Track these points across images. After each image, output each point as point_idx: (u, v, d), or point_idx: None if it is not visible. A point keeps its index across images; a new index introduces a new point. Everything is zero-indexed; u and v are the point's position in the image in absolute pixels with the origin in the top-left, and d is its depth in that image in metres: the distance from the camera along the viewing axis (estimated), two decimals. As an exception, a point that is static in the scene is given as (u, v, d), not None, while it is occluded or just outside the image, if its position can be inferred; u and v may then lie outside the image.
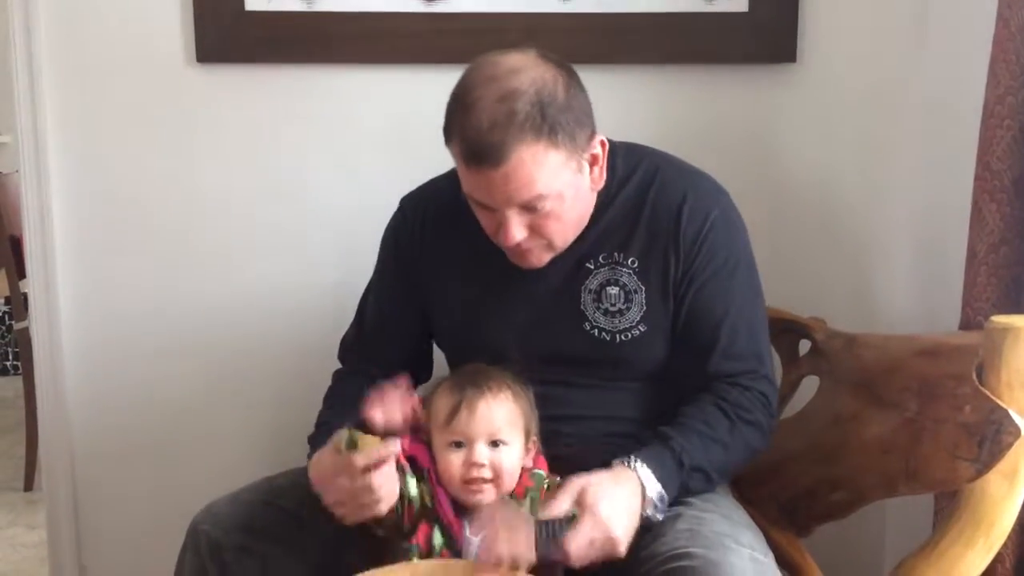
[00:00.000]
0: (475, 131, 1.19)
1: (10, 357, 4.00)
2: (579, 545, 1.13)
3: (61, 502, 1.86)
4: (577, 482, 1.19)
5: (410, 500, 1.21)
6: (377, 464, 1.15)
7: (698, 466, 1.26)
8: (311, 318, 1.72)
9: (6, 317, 3.93)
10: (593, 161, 1.29)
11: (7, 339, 4.00)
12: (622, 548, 1.16)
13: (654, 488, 1.21)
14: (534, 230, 1.26)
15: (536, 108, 1.19)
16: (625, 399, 1.36)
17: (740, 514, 1.30)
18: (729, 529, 1.21)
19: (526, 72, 1.21)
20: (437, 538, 1.21)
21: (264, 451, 1.61)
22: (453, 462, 1.22)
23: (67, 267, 1.79)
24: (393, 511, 1.19)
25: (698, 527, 1.20)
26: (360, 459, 1.15)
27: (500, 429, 1.23)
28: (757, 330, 1.36)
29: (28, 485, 2.80)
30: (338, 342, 1.50)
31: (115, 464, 1.85)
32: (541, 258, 1.31)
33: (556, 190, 1.23)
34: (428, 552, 1.20)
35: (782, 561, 1.49)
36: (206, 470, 1.78)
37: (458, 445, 1.22)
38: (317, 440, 1.30)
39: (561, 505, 1.17)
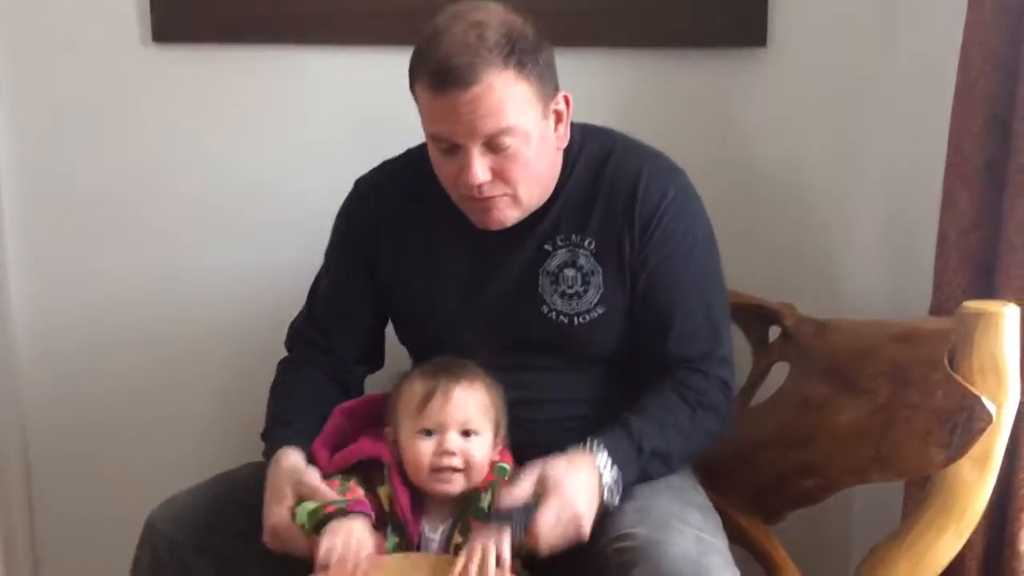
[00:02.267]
0: (444, 55, 1.17)
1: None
2: (547, 524, 1.12)
3: (14, 493, 1.81)
4: (536, 467, 1.17)
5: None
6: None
7: (657, 451, 1.24)
8: (273, 304, 1.67)
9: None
10: (558, 118, 1.27)
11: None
12: (587, 526, 1.14)
13: (610, 472, 1.19)
14: (498, 174, 1.23)
15: (505, 39, 1.18)
16: (585, 382, 1.34)
17: (695, 495, 1.29)
18: (678, 509, 1.19)
19: (495, 14, 1.21)
20: (391, 539, 1.19)
21: (224, 441, 1.57)
22: (423, 450, 1.19)
23: (17, 251, 1.75)
24: None
25: (646, 507, 1.19)
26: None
27: (473, 419, 1.21)
28: (715, 310, 1.34)
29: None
30: (301, 330, 1.46)
31: (70, 454, 1.81)
32: (505, 215, 1.27)
33: (523, 127, 1.21)
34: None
35: (751, 548, 1.49)
36: (165, 459, 1.76)
37: (428, 433, 1.20)
38: (278, 435, 1.27)
39: (523, 488, 1.15)
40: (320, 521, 1.15)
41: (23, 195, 1.73)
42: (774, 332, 1.59)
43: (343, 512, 1.15)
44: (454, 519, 1.21)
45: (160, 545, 1.24)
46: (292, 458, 1.22)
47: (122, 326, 1.77)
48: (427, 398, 1.20)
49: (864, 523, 1.74)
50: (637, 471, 1.22)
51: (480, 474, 1.21)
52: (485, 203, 1.26)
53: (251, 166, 1.73)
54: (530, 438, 1.27)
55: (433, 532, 1.20)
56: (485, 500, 1.20)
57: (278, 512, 1.18)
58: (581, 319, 1.31)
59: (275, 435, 1.27)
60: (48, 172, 1.73)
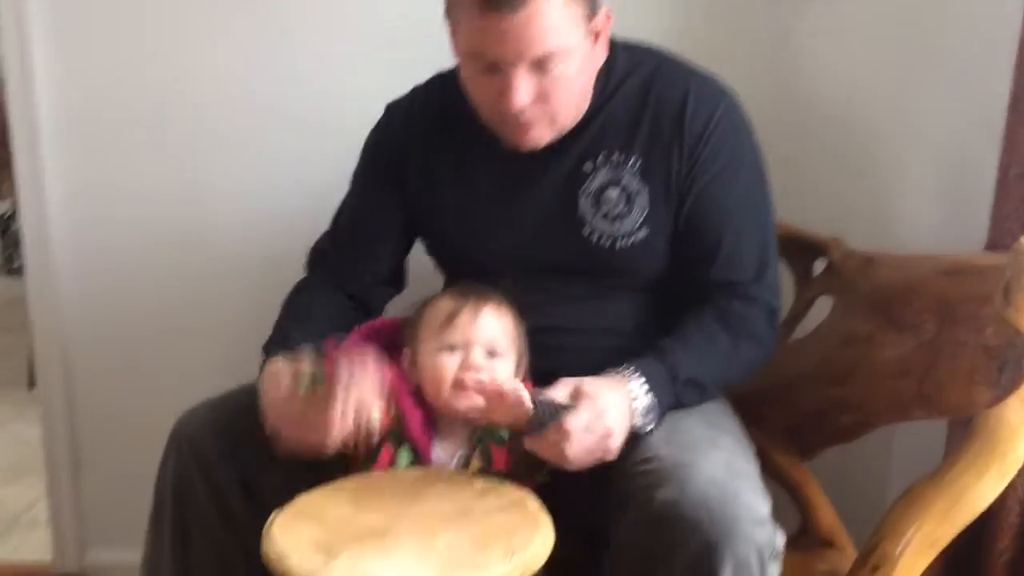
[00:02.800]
0: None
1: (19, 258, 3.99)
2: (578, 427, 1.08)
3: (55, 398, 1.84)
4: (570, 380, 1.14)
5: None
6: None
7: (693, 379, 1.21)
8: (304, 222, 1.64)
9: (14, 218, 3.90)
10: (597, 36, 1.22)
11: (15, 240, 3.98)
12: (615, 445, 1.11)
13: (643, 398, 1.16)
14: (540, 96, 1.19)
15: None
16: (624, 310, 1.30)
17: (727, 422, 1.25)
18: (708, 433, 1.16)
19: None
20: (403, 459, 1.17)
21: (253, 353, 1.56)
22: (447, 365, 1.17)
23: (54, 166, 1.74)
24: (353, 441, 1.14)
25: (675, 431, 1.16)
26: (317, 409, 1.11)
27: (499, 341, 1.19)
28: (763, 236, 1.30)
29: (32, 383, 2.80)
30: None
31: (109, 361, 1.83)
32: (541, 135, 1.24)
33: (569, 49, 1.16)
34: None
35: (784, 484, 1.46)
36: (196, 369, 1.74)
37: (452, 349, 1.18)
38: (272, 350, 1.24)
39: (557, 392, 1.12)
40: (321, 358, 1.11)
41: (59, 109, 1.72)
42: (819, 266, 1.54)
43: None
44: (471, 446, 1.18)
45: (185, 452, 1.24)
46: (279, 364, 1.18)
47: (156, 239, 1.77)
48: (454, 314, 1.18)
49: (903, 463, 1.69)
50: (671, 399, 1.19)
51: None
52: (523, 124, 1.22)
53: (286, 86, 1.70)
54: (561, 368, 1.23)
55: (448, 456, 1.18)
56: (505, 429, 1.17)
57: (276, 388, 1.14)
58: (624, 242, 1.27)
59: (271, 352, 1.24)
60: (86, 80, 1.71)
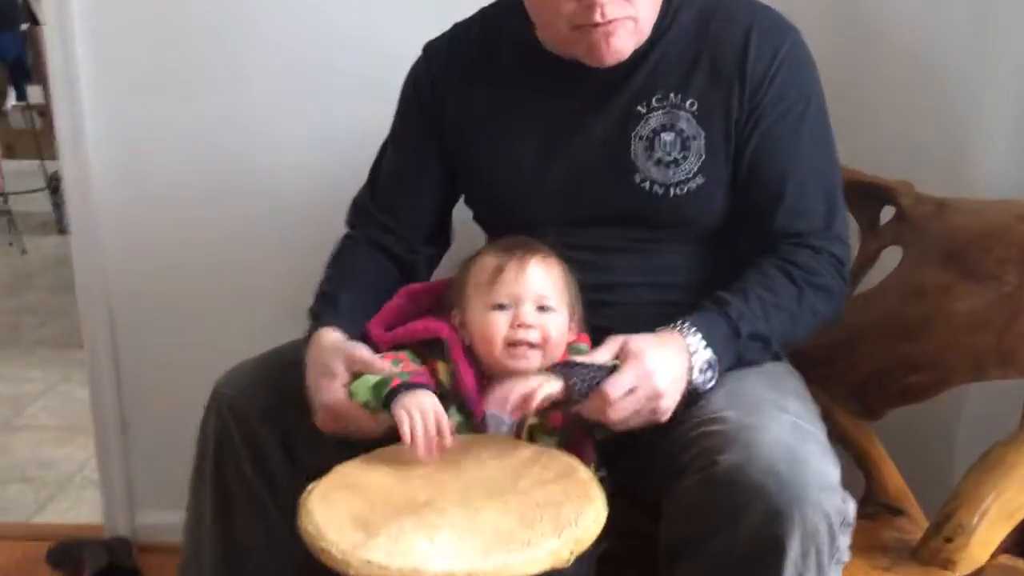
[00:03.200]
0: None
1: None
2: (619, 389, 1.03)
3: (101, 358, 1.83)
4: (617, 337, 1.08)
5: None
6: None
7: (757, 334, 1.13)
8: (350, 175, 1.60)
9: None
10: None
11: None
12: (665, 407, 1.05)
13: (702, 353, 1.09)
14: None
15: None
16: (677, 264, 1.23)
17: (792, 381, 1.18)
18: (773, 394, 1.09)
19: None
20: (454, 417, 1.12)
21: (299, 313, 1.52)
22: (498, 322, 1.11)
23: (96, 113, 1.70)
24: None
25: (737, 390, 1.09)
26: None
27: (549, 293, 1.13)
28: (830, 182, 1.22)
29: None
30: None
31: (154, 319, 1.81)
32: (624, 44, 1.16)
33: None
34: None
35: (846, 445, 1.38)
36: (244, 325, 1.71)
37: (502, 307, 1.12)
38: (321, 314, 1.21)
39: (600, 354, 1.06)
40: (388, 395, 1.08)
41: (99, 60, 1.68)
42: (886, 213, 1.45)
43: (407, 385, 1.08)
44: None
45: (225, 411, 1.21)
46: (331, 335, 1.16)
47: (200, 192, 1.73)
48: (500, 270, 1.12)
49: (975, 425, 1.60)
50: (733, 356, 1.12)
51: (557, 351, 1.13)
52: (606, 28, 1.14)
53: (328, 30, 1.65)
54: (612, 325, 1.17)
55: (505, 414, 1.13)
56: None
57: (332, 388, 1.11)
58: (678, 190, 1.19)
59: (318, 315, 1.21)
60: (123, 35, 1.68)
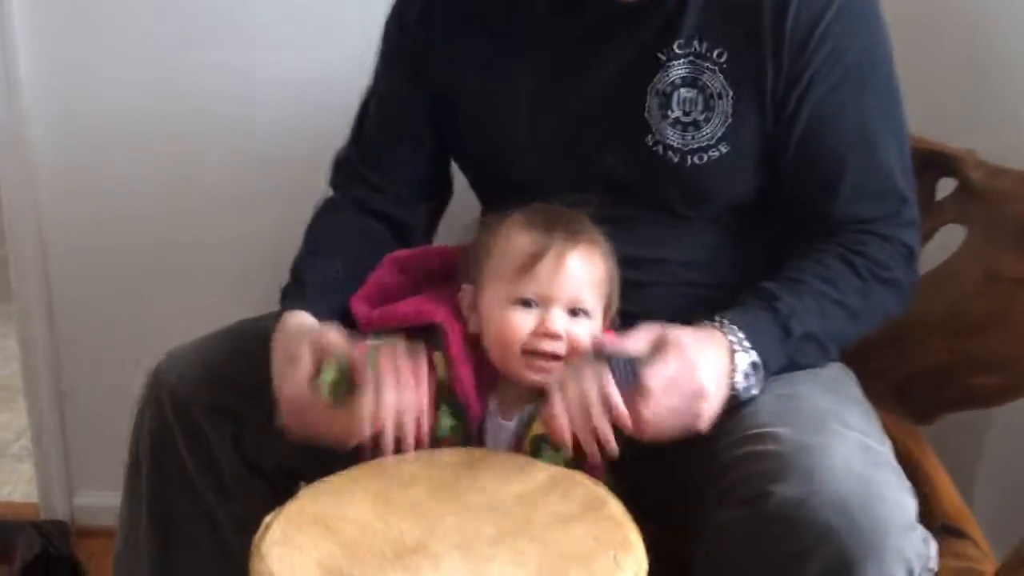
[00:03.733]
0: None
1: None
2: (662, 381, 0.85)
3: (35, 316, 1.62)
4: (652, 326, 0.90)
5: None
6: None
7: (812, 335, 0.95)
8: (341, 120, 1.39)
9: None
10: None
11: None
12: (709, 410, 0.87)
13: (747, 355, 0.91)
14: None
15: None
16: (704, 241, 1.04)
17: (849, 386, 1.00)
18: (833, 404, 0.91)
19: None
20: (445, 421, 0.93)
21: (257, 286, 1.32)
22: (519, 324, 0.91)
23: (30, 53, 1.51)
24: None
25: (790, 400, 0.91)
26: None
27: (586, 296, 0.93)
28: (900, 158, 1.03)
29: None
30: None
31: (96, 279, 1.61)
32: None
33: None
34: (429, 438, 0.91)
35: (896, 455, 1.20)
36: (201, 294, 1.55)
37: (527, 305, 0.92)
38: (288, 293, 1.01)
39: (636, 341, 0.88)
40: (351, 378, 0.88)
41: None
42: (945, 186, 1.26)
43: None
44: (536, 405, 0.93)
45: (164, 402, 1.02)
46: (299, 318, 0.97)
47: (146, 139, 1.53)
48: (534, 259, 0.92)
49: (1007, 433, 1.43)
50: (783, 358, 0.94)
51: None
52: None
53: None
54: (632, 309, 0.99)
55: (507, 419, 0.94)
56: None
57: (294, 377, 0.91)
58: (696, 158, 1.00)
59: (285, 294, 1.01)
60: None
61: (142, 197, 1.55)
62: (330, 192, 1.15)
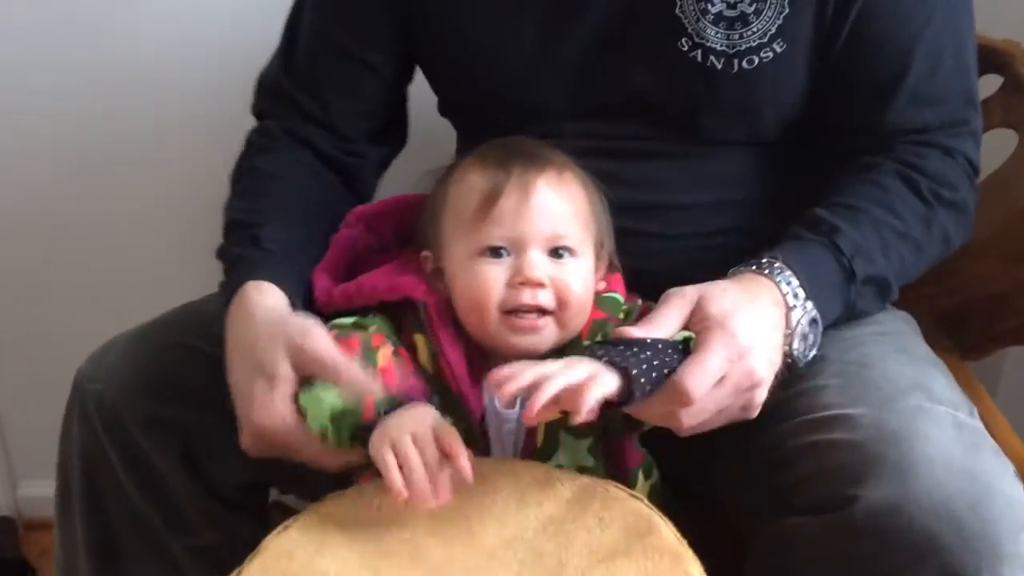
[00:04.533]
0: None
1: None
2: (706, 378, 0.67)
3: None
4: (686, 291, 0.72)
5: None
6: None
7: (875, 277, 0.80)
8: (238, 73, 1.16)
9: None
10: None
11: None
12: (761, 398, 0.71)
13: (804, 309, 0.74)
14: None
15: None
16: (742, 172, 0.88)
17: (919, 340, 0.86)
18: (911, 369, 0.76)
19: None
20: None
21: (192, 262, 1.12)
22: (489, 278, 0.74)
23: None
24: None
25: (859, 368, 0.76)
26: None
27: (567, 230, 0.75)
28: (967, 57, 0.86)
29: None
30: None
31: (17, 267, 1.41)
32: None
33: None
34: None
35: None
36: (122, 275, 1.36)
37: (496, 253, 0.75)
38: (241, 258, 0.81)
39: (667, 322, 0.71)
40: (363, 426, 0.71)
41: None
42: (989, 84, 1.08)
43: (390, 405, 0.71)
44: None
45: (92, 415, 0.84)
46: (270, 300, 0.76)
47: (47, 92, 1.30)
48: (492, 196, 0.75)
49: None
50: (841, 307, 0.78)
51: (581, 315, 0.76)
52: None
53: None
54: (651, 266, 0.83)
55: (508, 406, 0.76)
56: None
57: (270, 403, 0.72)
58: (745, 62, 0.82)
59: (238, 258, 0.81)
60: None
61: (52, 141, 1.33)
62: (255, 120, 0.94)
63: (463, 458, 0.66)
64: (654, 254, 0.84)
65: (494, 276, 0.74)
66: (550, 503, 0.66)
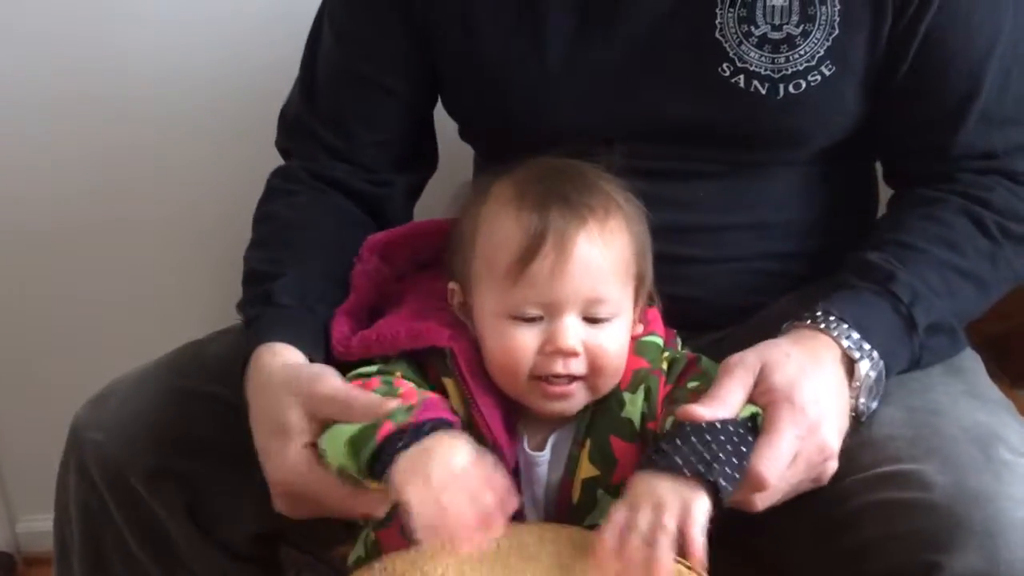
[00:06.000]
0: None
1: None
2: (778, 465, 0.63)
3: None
4: (747, 360, 0.67)
5: None
6: None
7: (941, 324, 0.74)
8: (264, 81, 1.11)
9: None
10: None
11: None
12: (833, 468, 0.67)
13: (871, 360, 0.70)
14: None
15: None
16: (785, 193, 0.83)
17: (987, 380, 0.80)
18: (985, 416, 0.71)
19: None
20: None
21: (199, 298, 1.07)
22: (522, 346, 0.68)
23: None
24: None
25: (928, 416, 0.70)
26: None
27: (606, 294, 0.69)
28: None
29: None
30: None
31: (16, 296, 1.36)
32: None
33: None
34: None
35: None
36: (123, 312, 1.31)
37: (529, 320, 0.69)
38: (257, 317, 0.76)
39: (731, 396, 0.65)
40: (376, 454, 0.63)
41: None
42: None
43: (416, 432, 0.63)
44: (576, 433, 0.71)
45: (91, 467, 0.79)
46: (279, 358, 0.72)
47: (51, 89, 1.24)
48: (528, 255, 0.68)
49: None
50: (907, 358, 0.73)
51: (615, 378, 0.71)
52: None
53: None
54: (687, 290, 0.79)
55: (537, 448, 0.72)
56: (634, 405, 0.71)
57: (284, 455, 0.68)
58: (791, 86, 0.77)
59: (252, 319, 0.76)
60: None
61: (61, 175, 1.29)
62: (281, 159, 0.91)
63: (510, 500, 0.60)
64: (692, 280, 0.80)
65: (525, 342, 0.68)
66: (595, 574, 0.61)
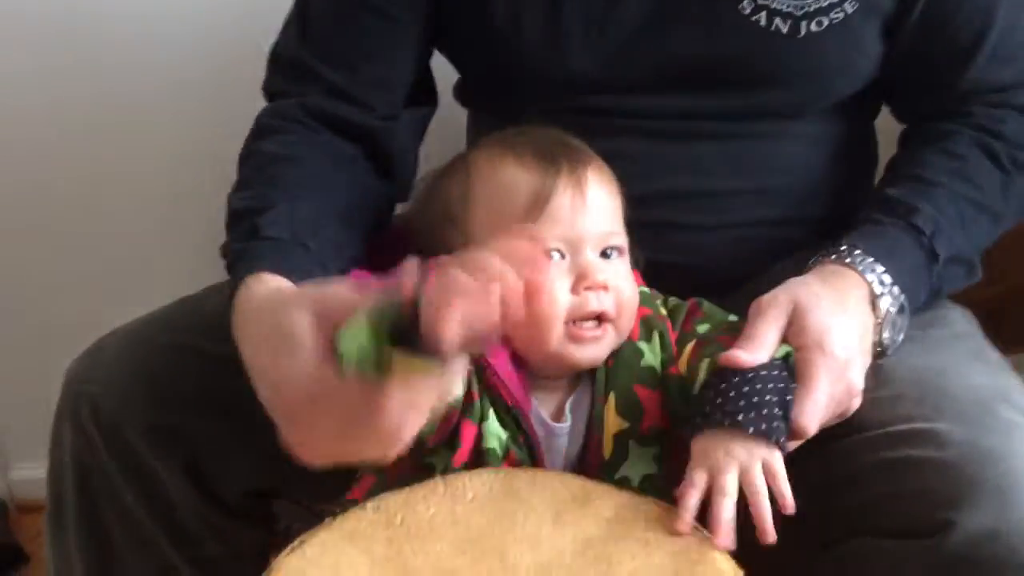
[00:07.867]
0: None
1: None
2: (818, 416, 0.65)
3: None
4: (779, 299, 0.68)
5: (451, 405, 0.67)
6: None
7: (960, 255, 0.76)
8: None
9: None
10: None
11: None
12: (857, 404, 0.68)
13: (892, 295, 0.71)
14: None
15: None
16: (788, 158, 0.82)
17: (985, 342, 0.81)
18: (990, 378, 0.72)
19: None
20: (493, 436, 0.68)
21: (192, 253, 1.05)
22: (552, 288, 0.67)
23: None
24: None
25: (937, 376, 0.71)
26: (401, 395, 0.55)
27: (618, 229, 0.72)
28: None
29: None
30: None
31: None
32: None
33: None
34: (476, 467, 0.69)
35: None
36: (108, 266, 1.31)
37: (549, 256, 0.69)
38: (245, 252, 0.69)
39: (768, 338, 0.66)
40: (400, 321, 0.53)
41: None
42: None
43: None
44: (591, 394, 0.71)
45: (87, 420, 0.78)
46: (276, 283, 0.66)
47: (31, 74, 1.22)
48: (544, 194, 0.69)
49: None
50: (927, 290, 0.75)
51: (632, 318, 0.72)
52: None
53: None
54: (688, 261, 0.79)
55: (557, 419, 0.71)
56: (653, 352, 0.72)
57: (296, 365, 0.56)
58: (815, 23, 0.76)
59: (237, 254, 0.70)
60: None
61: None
62: (266, 100, 0.85)
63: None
64: (691, 247, 0.79)
65: (557, 283, 0.67)
66: (589, 523, 0.61)
